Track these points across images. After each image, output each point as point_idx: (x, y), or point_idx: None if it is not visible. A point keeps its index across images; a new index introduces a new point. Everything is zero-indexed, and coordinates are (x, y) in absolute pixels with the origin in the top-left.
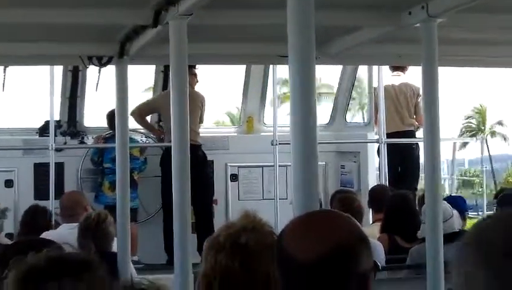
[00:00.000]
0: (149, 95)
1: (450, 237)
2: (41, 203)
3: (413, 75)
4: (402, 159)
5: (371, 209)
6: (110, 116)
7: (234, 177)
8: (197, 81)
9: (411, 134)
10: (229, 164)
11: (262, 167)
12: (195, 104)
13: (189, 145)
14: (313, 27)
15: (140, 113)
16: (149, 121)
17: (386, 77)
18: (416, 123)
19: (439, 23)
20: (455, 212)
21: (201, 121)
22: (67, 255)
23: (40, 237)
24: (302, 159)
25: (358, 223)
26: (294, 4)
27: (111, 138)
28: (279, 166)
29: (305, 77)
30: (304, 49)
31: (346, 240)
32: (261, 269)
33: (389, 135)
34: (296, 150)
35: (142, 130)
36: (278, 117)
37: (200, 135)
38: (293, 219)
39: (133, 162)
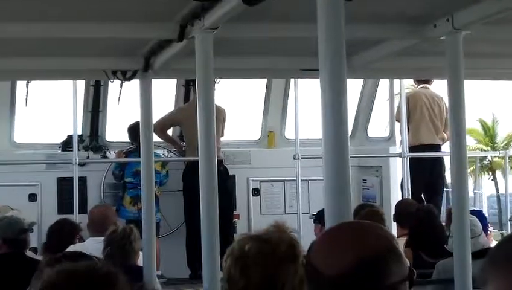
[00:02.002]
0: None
1: (481, 253)
2: (66, 217)
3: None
4: (431, 173)
5: (396, 224)
6: (131, 129)
7: (256, 192)
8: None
9: (440, 148)
10: (250, 179)
11: (284, 181)
12: (217, 119)
13: (216, 160)
14: (343, 40)
15: (161, 128)
16: (170, 134)
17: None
18: (446, 137)
19: (464, 35)
20: None
21: (222, 135)
22: (90, 271)
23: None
24: (333, 172)
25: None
26: (324, 18)
27: (132, 153)
28: (301, 180)
29: (336, 90)
30: (334, 63)
31: (370, 253)
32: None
33: (424, 147)
34: (328, 163)
35: (163, 144)
36: (300, 131)
37: (222, 149)
38: (321, 233)
39: (155, 176)
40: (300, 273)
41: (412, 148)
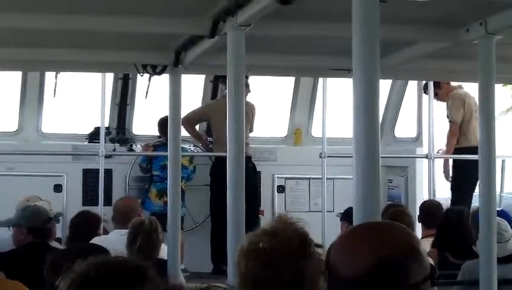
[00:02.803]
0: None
1: (509, 259)
2: (90, 209)
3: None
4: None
5: (420, 224)
6: (162, 122)
7: (281, 189)
8: (249, 91)
9: None
10: (276, 175)
11: (309, 179)
12: (246, 115)
13: (244, 156)
14: (377, 42)
15: (189, 123)
16: (197, 130)
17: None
18: None
19: (497, 40)
20: None
21: (251, 130)
22: (120, 264)
23: (90, 242)
24: (364, 171)
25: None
26: (359, 18)
27: (160, 146)
28: (327, 178)
29: (369, 91)
30: (368, 64)
31: (389, 253)
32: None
33: (473, 149)
34: (359, 163)
35: (190, 139)
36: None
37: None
38: (341, 234)
39: (182, 171)
40: (309, 262)
41: (462, 150)
